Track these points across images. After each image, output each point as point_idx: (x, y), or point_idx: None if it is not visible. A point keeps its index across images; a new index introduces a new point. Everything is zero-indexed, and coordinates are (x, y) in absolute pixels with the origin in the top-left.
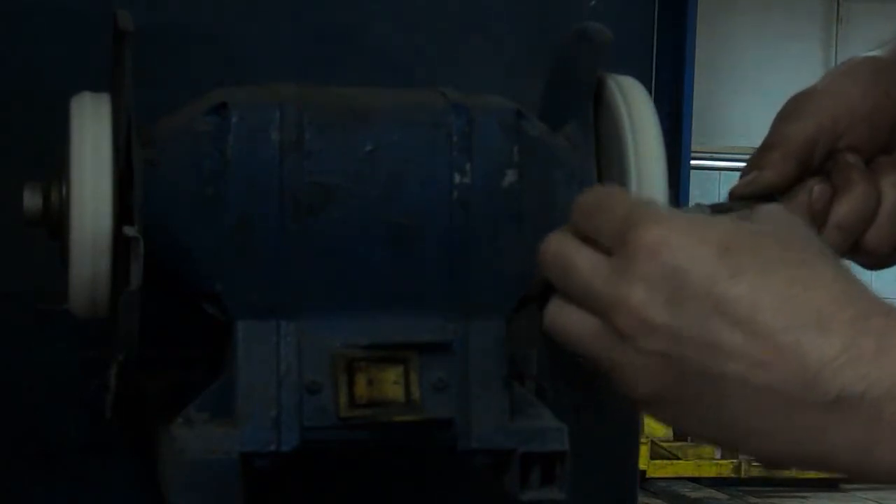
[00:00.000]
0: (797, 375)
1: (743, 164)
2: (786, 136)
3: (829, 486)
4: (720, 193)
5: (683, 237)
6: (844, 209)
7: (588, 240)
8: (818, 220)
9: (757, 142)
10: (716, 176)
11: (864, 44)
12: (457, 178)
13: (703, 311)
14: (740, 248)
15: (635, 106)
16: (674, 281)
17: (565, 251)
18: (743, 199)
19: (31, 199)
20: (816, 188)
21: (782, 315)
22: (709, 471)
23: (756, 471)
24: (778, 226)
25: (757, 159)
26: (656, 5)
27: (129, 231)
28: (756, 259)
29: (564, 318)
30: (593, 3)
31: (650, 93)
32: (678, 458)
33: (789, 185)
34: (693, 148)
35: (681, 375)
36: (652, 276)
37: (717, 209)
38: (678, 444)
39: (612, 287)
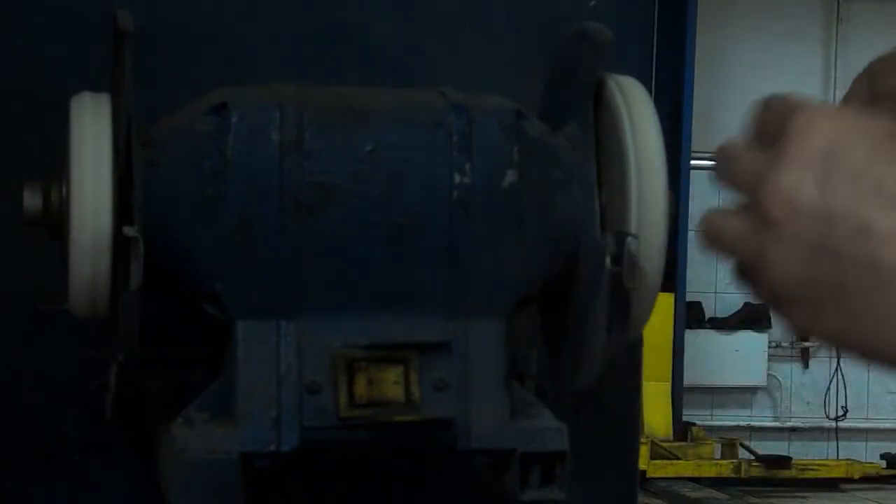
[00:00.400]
0: None
1: None
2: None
3: (829, 486)
4: (720, 193)
5: (843, 121)
6: None
7: (760, 135)
8: None
9: None
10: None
11: (864, 44)
12: (457, 178)
13: (857, 193)
14: None
15: (635, 106)
16: (828, 162)
17: (732, 147)
18: None
19: (31, 199)
20: None
21: None
22: (709, 471)
23: (756, 471)
24: None
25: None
26: (656, 5)
27: (129, 231)
28: None
29: (717, 221)
30: (593, 3)
31: (650, 93)
32: (678, 458)
33: None
34: (693, 148)
35: (831, 264)
36: (805, 158)
37: None
38: (678, 444)
39: (764, 172)
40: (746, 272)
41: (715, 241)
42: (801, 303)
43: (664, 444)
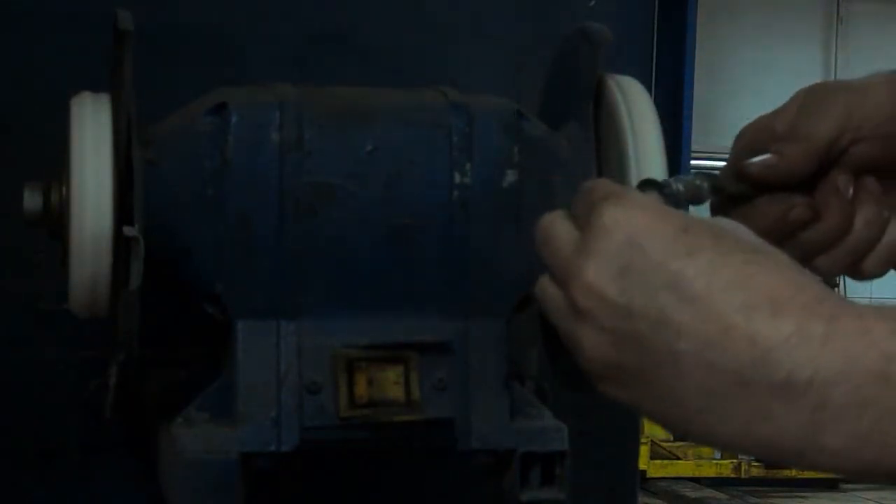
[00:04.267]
0: (746, 355)
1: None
2: (810, 132)
3: (829, 486)
4: None
5: (642, 215)
6: (812, 236)
7: (575, 218)
8: (785, 229)
9: None
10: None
11: (864, 45)
12: (457, 178)
13: (655, 286)
14: (699, 230)
15: (635, 106)
16: (627, 255)
17: (550, 223)
18: (753, 184)
19: (31, 199)
20: (796, 210)
21: (736, 294)
22: (709, 471)
23: (756, 471)
24: (732, 224)
25: (775, 143)
26: (656, 5)
27: (129, 231)
28: (714, 241)
29: (544, 287)
30: (593, 3)
31: (650, 93)
32: (678, 458)
33: (802, 180)
34: (693, 148)
35: (633, 352)
36: (606, 252)
37: (716, 185)
38: (678, 444)
39: (571, 260)
40: (565, 340)
41: (541, 303)
42: (610, 379)
43: (664, 444)
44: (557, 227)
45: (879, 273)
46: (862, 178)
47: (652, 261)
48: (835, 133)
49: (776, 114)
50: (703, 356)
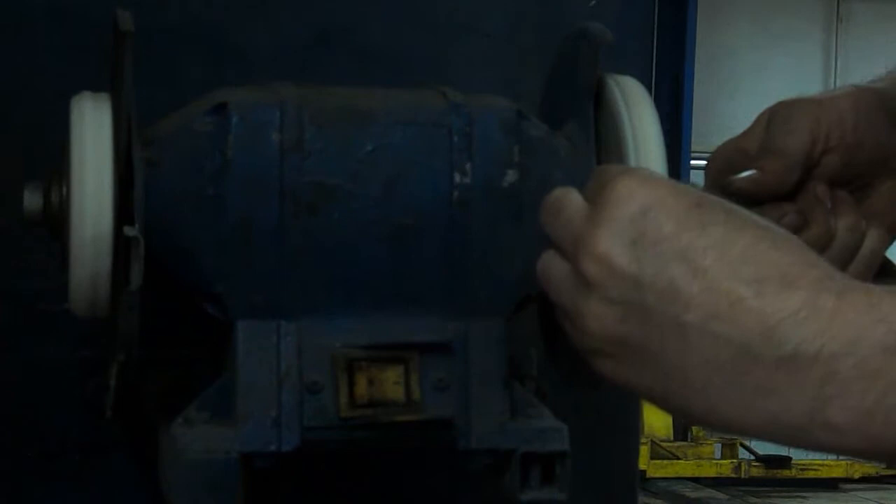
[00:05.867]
0: (755, 328)
1: None
2: (785, 146)
3: (829, 486)
4: None
5: (656, 188)
6: None
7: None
8: None
9: None
10: None
11: (864, 44)
12: (457, 178)
13: (666, 257)
14: (712, 206)
15: (635, 106)
16: (640, 225)
17: (561, 195)
18: (740, 197)
19: (31, 199)
20: (788, 218)
21: (747, 268)
22: (709, 471)
23: (756, 471)
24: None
25: (752, 162)
26: (656, 5)
27: (130, 231)
28: (726, 216)
29: (547, 262)
30: (593, 3)
31: (650, 93)
32: (678, 458)
33: (787, 192)
34: (693, 148)
35: (639, 325)
36: (619, 221)
37: None
38: (678, 444)
39: (583, 229)
40: (565, 316)
41: (543, 279)
42: (611, 356)
43: (664, 444)
44: (569, 197)
45: (861, 280)
46: (835, 190)
47: (664, 232)
48: (808, 144)
49: (744, 135)
50: (711, 329)
